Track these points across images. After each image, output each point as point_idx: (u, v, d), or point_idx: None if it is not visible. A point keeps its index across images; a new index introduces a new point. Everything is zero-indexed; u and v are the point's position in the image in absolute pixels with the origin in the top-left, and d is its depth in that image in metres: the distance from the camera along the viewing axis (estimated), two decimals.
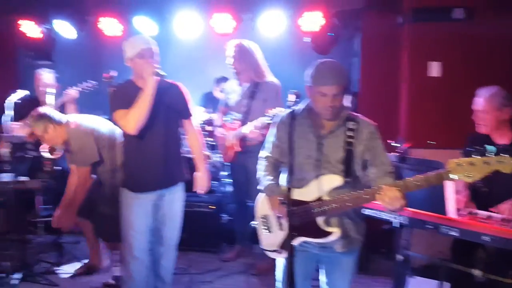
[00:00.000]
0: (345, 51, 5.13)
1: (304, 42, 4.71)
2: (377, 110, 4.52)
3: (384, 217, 2.97)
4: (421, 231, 2.86)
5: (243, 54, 3.82)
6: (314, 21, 4.50)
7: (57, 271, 4.09)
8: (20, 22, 4.72)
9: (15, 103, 3.85)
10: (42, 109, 3.51)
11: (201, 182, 3.28)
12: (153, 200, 3.06)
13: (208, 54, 5.90)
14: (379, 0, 4.72)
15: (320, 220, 2.39)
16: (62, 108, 4.32)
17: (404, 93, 4.61)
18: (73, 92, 4.14)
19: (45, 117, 3.43)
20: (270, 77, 3.91)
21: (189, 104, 3.18)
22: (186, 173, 3.23)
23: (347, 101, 2.43)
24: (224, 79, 5.66)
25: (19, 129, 4.18)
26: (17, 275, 3.87)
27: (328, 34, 4.58)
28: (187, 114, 3.19)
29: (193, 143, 3.27)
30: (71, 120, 3.52)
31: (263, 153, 2.69)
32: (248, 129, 3.76)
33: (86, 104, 4.46)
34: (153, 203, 3.07)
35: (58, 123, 3.45)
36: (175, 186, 3.14)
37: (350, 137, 2.36)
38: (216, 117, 4.32)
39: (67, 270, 4.12)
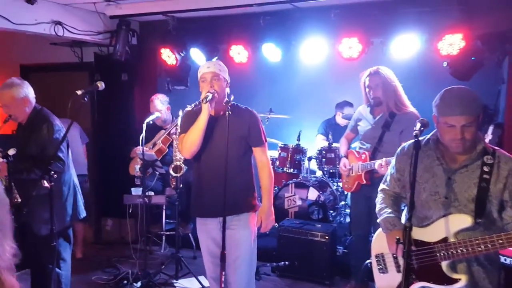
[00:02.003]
0: (492, 77, 4.61)
1: (440, 67, 4.33)
2: None
3: None
4: None
5: (389, 84, 3.59)
6: (452, 44, 4.10)
7: (175, 284, 4.27)
8: (161, 51, 5.18)
9: (147, 124, 4.18)
10: None
11: (263, 217, 2.95)
12: (218, 226, 2.90)
13: (330, 80, 5.83)
14: None
15: (444, 265, 2.14)
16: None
17: None
18: None
19: None
20: (410, 108, 3.62)
21: (260, 131, 2.96)
22: (255, 205, 2.99)
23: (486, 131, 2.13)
24: (346, 104, 5.51)
25: (149, 149, 4.54)
26: (138, 283, 4.14)
27: (472, 58, 4.12)
28: (256, 142, 2.96)
29: (261, 173, 3.03)
30: None
31: (381, 186, 2.49)
32: (379, 163, 3.48)
33: None
34: (220, 231, 2.87)
35: None
36: (239, 215, 2.90)
37: (486, 173, 2.08)
38: (343, 142, 4.10)
39: (184, 284, 4.28)
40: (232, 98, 2.81)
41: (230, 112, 2.64)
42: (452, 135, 2.04)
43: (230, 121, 2.68)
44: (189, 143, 2.84)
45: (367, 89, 3.69)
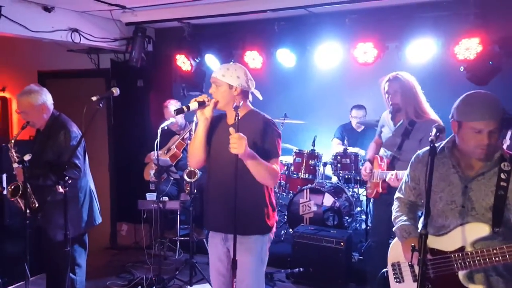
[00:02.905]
0: (510, 81, 4.50)
1: (456, 71, 4.26)
2: None
3: None
4: None
5: (407, 90, 3.45)
6: (469, 48, 4.04)
7: None
8: (177, 57, 5.21)
9: (162, 130, 4.19)
10: None
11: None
12: (222, 242, 2.76)
13: (346, 85, 5.79)
14: None
15: (461, 275, 2.09)
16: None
17: None
18: None
19: None
20: (432, 115, 3.47)
21: (270, 144, 2.64)
22: (267, 225, 2.72)
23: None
24: (354, 107, 5.51)
25: (163, 154, 4.57)
26: None
27: (489, 63, 4.05)
28: (265, 154, 2.60)
29: None
30: None
31: (397, 194, 2.46)
32: (390, 177, 3.40)
33: None
34: (223, 246, 2.76)
35: None
36: (245, 236, 2.64)
37: (503, 180, 2.03)
38: (371, 147, 3.96)
39: None
40: (241, 103, 2.57)
41: (238, 118, 2.47)
42: (478, 141, 1.99)
43: (239, 129, 2.50)
44: (191, 153, 2.76)
45: (386, 95, 3.58)
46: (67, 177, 2.73)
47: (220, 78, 2.62)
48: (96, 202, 3.59)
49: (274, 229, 2.80)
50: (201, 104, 2.60)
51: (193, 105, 2.59)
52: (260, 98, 2.81)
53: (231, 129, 2.41)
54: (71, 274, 3.32)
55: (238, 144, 2.37)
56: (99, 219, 3.60)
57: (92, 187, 3.58)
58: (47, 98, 3.41)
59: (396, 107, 3.52)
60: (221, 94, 2.63)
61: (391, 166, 3.57)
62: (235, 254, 2.52)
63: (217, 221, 2.72)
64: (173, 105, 4.97)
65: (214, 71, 2.70)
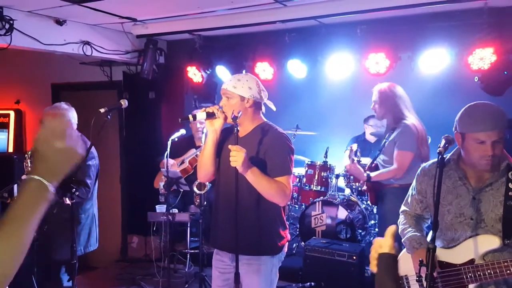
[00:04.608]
0: None
1: (470, 82, 4.19)
2: None
3: None
4: None
5: (384, 99, 3.79)
6: (483, 58, 3.97)
7: None
8: (188, 69, 5.22)
9: (172, 141, 4.17)
10: None
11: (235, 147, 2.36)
12: (227, 262, 2.62)
13: (358, 95, 5.71)
14: None
15: None
16: None
17: None
18: None
19: None
20: (409, 120, 3.70)
21: (280, 160, 2.51)
22: (278, 246, 2.59)
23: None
24: (371, 116, 5.46)
25: (173, 165, 4.54)
26: None
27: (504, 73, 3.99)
28: (274, 171, 2.48)
29: None
30: None
31: (402, 207, 2.43)
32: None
33: None
34: (229, 267, 2.60)
35: None
36: (254, 257, 2.53)
37: (511, 190, 1.99)
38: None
39: None
40: (240, 114, 2.45)
41: (237, 129, 2.38)
42: (482, 152, 1.96)
43: (249, 142, 2.47)
44: (199, 166, 2.65)
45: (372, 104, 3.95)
46: (74, 189, 2.71)
47: (231, 90, 2.50)
48: (96, 228, 3.58)
49: (285, 249, 2.68)
50: (210, 115, 2.49)
51: (201, 115, 2.48)
52: (274, 109, 2.71)
53: (230, 146, 2.34)
54: None
55: (237, 156, 2.28)
56: (94, 246, 3.59)
57: (95, 212, 3.58)
58: (72, 116, 3.50)
59: (378, 116, 3.97)
60: (233, 106, 2.49)
61: (374, 167, 4.00)
62: (238, 267, 2.42)
63: (225, 240, 2.58)
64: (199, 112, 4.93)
65: (224, 83, 2.58)
